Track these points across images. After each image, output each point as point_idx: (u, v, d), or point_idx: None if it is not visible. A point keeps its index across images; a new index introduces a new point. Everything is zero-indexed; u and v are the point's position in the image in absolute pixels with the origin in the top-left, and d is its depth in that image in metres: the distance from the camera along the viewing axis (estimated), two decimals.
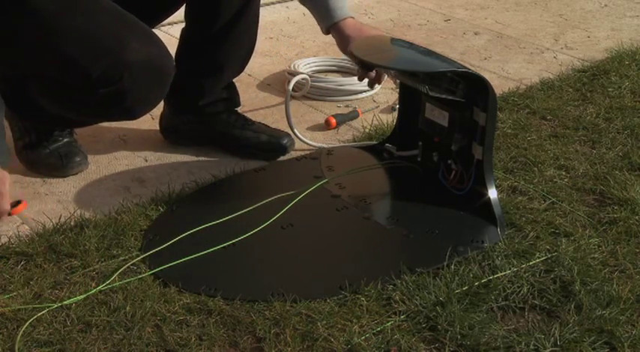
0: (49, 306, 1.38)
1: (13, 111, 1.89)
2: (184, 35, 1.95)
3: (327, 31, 1.85)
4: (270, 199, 1.71)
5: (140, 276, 1.46)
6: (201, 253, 1.53)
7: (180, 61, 1.96)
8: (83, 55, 1.60)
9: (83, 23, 1.61)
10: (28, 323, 1.33)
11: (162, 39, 1.97)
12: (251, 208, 1.68)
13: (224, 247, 1.56)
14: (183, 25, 1.95)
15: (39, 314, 1.36)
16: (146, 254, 1.53)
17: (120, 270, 1.48)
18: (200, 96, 1.94)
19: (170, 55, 1.71)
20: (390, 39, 1.90)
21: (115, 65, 1.60)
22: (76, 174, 1.86)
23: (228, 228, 1.63)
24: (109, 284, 1.44)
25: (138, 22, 1.67)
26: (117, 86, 1.62)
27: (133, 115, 1.79)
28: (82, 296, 1.40)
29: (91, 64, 1.60)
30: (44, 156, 1.87)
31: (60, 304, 1.38)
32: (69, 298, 1.40)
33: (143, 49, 1.63)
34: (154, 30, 1.74)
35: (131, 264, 1.50)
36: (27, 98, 1.78)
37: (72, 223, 1.63)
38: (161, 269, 1.48)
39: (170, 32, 2.62)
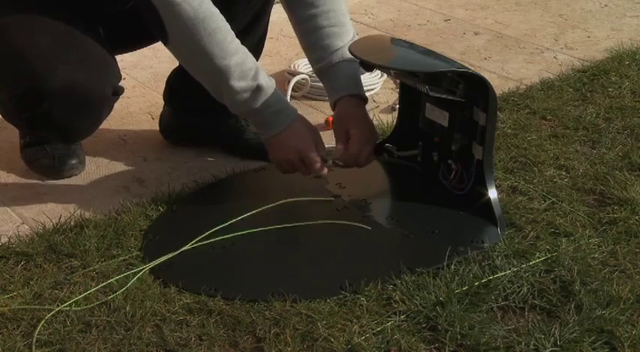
0: (51, 307, 1.38)
1: None
2: None
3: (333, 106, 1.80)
4: (272, 205, 1.70)
5: (139, 269, 1.46)
6: (192, 244, 1.54)
7: None
8: (9, 75, 1.58)
9: (21, 41, 1.58)
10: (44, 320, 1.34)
11: None
12: (253, 212, 1.67)
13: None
14: None
15: (59, 308, 1.36)
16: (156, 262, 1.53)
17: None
18: (202, 99, 1.94)
19: (107, 80, 1.66)
20: (390, 39, 1.90)
21: (35, 90, 1.58)
22: (69, 177, 1.86)
23: (228, 227, 1.63)
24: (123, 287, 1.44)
25: (83, 42, 1.62)
26: (37, 111, 1.60)
27: (65, 140, 1.78)
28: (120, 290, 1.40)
29: (14, 86, 1.59)
30: (39, 157, 1.87)
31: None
32: (69, 298, 1.40)
33: (69, 75, 1.58)
34: None
35: (131, 265, 1.50)
36: None
37: (72, 223, 1.63)
38: (160, 269, 1.49)
39: None
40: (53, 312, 1.35)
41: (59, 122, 1.65)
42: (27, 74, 1.58)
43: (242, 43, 1.84)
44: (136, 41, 1.86)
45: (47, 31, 1.60)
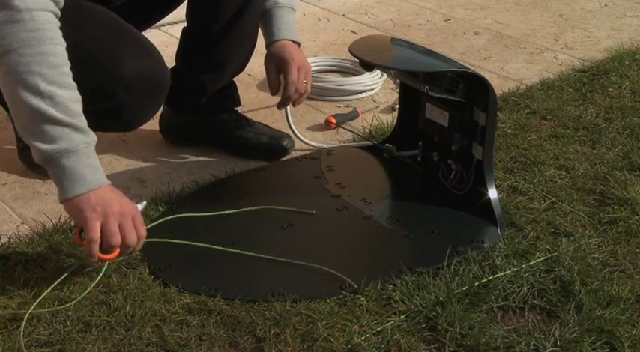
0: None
1: None
2: (186, 34, 1.95)
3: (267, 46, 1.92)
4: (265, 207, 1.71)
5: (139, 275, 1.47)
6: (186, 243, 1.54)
7: (182, 60, 1.97)
8: (78, 71, 1.58)
9: (80, 38, 1.57)
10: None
11: (163, 39, 1.97)
12: (250, 209, 1.68)
13: (223, 247, 1.56)
14: (183, 25, 1.95)
15: (30, 310, 1.36)
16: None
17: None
18: (201, 95, 1.94)
19: (165, 66, 1.70)
20: (390, 39, 1.90)
21: (109, 81, 1.59)
22: None
23: (228, 227, 1.63)
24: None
25: (134, 33, 1.66)
26: (112, 101, 1.61)
27: (129, 128, 1.78)
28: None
29: (86, 80, 1.58)
30: None
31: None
32: (69, 298, 1.40)
33: (137, 63, 1.61)
34: (153, 28, 1.72)
35: (131, 265, 1.50)
36: None
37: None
38: (160, 269, 1.49)
39: (170, 32, 2.62)
40: (29, 311, 1.36)
41: (130, 110, 1.66)
42: (96, 68, 1.58)
43: (233, 29, 1.86)
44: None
45: (97, 25, 1.62)
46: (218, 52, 1.90)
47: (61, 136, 1.37)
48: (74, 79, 1.44)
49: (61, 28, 1.45)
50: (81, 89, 1.59)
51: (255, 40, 1.95)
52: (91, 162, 1.40)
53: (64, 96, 1.38)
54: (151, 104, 1.73)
